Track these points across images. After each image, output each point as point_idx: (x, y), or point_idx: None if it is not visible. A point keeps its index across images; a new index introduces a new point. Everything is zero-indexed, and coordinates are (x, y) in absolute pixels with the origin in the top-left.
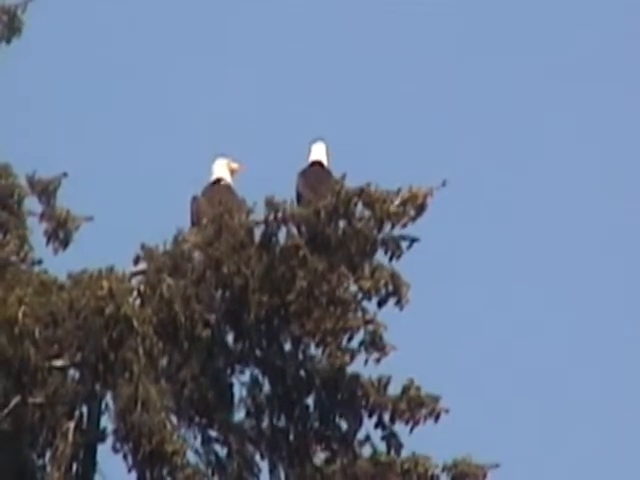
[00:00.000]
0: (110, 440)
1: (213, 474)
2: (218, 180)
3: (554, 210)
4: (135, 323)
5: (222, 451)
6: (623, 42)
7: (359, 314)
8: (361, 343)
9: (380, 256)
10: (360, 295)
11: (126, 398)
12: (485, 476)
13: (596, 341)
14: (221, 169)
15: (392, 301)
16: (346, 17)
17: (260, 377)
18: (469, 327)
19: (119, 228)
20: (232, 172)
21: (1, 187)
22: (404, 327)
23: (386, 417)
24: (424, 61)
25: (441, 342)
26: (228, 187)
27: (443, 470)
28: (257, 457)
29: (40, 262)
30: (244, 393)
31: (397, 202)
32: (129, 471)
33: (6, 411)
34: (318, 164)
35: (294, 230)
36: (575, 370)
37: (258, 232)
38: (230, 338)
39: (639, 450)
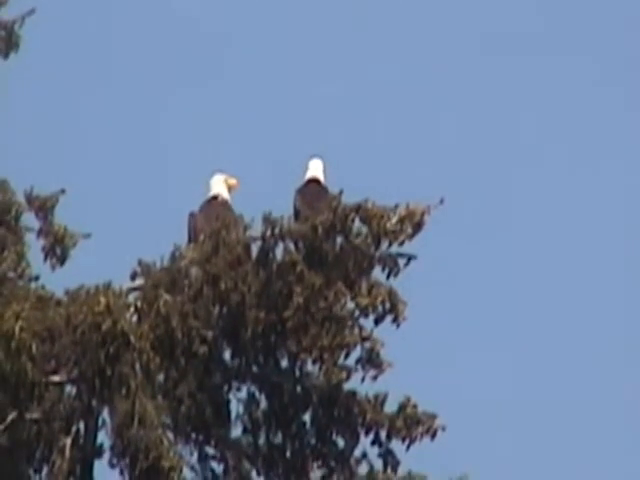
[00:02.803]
0: (107, 456)
1: None
2: (215, 196)
3: (552, 226)
4: (132, 339)
5: (219, 468)
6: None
7: (356, 331)
8: (358, 360)
9: (377, 273)
10: (357, 312)
11: (123, 414)
12: None
13: (592, 361)
14: (218, 185)
15: (389, 318)
16: (344, 33)
17: (257, 394)
18: (466, 344)
19: (116, 244)
20: (229, 188)
21: None
22: (401, 344)
23: (383, 434)
24: (422, 78)
25: (438, 359)
26: (225, 203)
27: None
28: (253, 474)
29: (37, 278)
30: (241, 410)
31: (394, 220)
32: None
33: (3, 426)
34: (315, 181)
35: (291, 246)
36: (572, 387)
37: (255, 248)
38: (227, 354)
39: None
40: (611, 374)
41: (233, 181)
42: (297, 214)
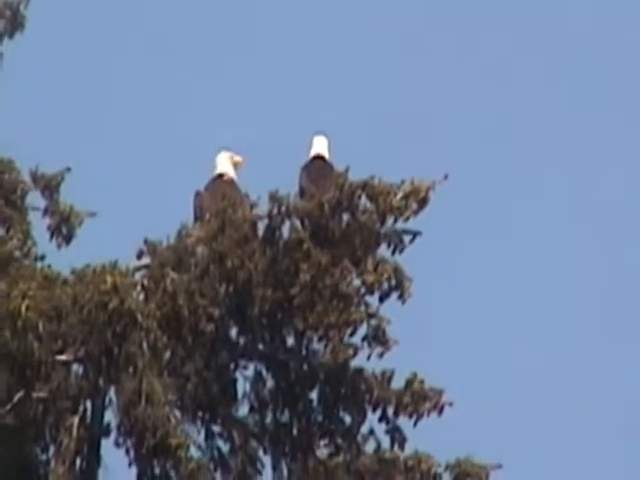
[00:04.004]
0: (114, 435)
1: (216, 469)
2: (221, 175)
3: (556, 204)
4: (139, 317)
5: (225, 446)
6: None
7: (362, 308)
8: (364, 337)
9: (383, 250)
10: (363, 289)
11: (130, 392)
12: (487, 476)
13: (599, 338)
14: (224, 163)
15: (394, 295)
16: (349, 10)
17: (264, 372)
18: (472, 320)
19: (122, 223)
20: (235, 165)
21: (4, 182)
22: (407, 321)
23: (390, 411)
24: (427, 54)
25: (443, 336)
26: (231, 181)
27: (446, 469)
28: (260, 452)
29: (43, 257)
30: (247, 388)
31: (399, 196)
32: (129, 465)
33: (10, 405)
34: (320, 158)
35: (298, 224)
36: (578, 367)
37: (262, 226)
38: (234, 332)
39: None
40: (621, 357)
41: (238, 158)
42: (302, 191)
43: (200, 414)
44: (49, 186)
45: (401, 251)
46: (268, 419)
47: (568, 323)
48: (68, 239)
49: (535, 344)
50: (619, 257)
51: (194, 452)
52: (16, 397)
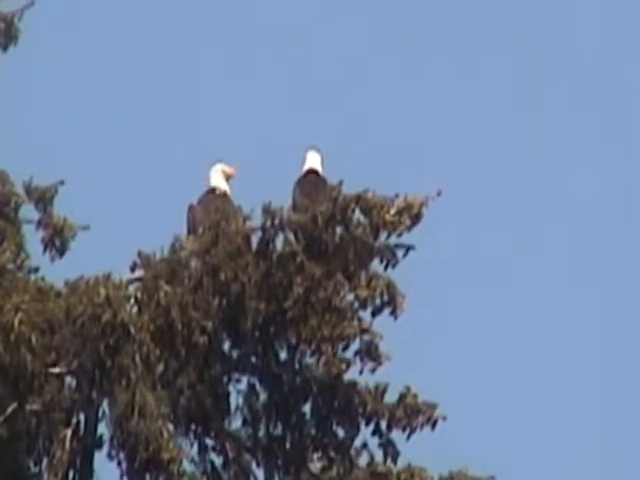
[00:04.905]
0: (107, 447)
1: None
2: (213, 189)
3: (551, 219)
4: (132, 330)
5: (218, 459)
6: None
7: (355, 323)
8: (357, 352)
9: (376, 265)
10: (356, 304)
11: (123, 405)
12: None
13: (594, 348)
14: (217, 176)
15: (387, 310)
16: (343, 24)
17: (257, 385)
18: (463, 336)
19: (116, 236)
20: (228, 177)
21: None
22: (399, 335)
23: (383, 424)
24: (422, 69)
25: (436, 351)
26: (224, 195)
27: None
28: (253, 465)
29: (37, 270)
30: (240, 401)
31: (393, 211)
32: (122, 478)
33: (3, 418)
34: (313, 172)
35: (291, 237)
36: (573, 379)
37: (255, 239)
38: (227, 345)
39: (635, 461)
40: (621, 368)
41: (230, 170)
42: (295, 206)
43: (193, 427)
44: (43, 199)
45: (394, 266)
46: (261, 432)
47: (561, 335)
48: (61, 252)
49: (528, 357)
50: (617, 267)
51: (187, 466)
52: (9, 409)
